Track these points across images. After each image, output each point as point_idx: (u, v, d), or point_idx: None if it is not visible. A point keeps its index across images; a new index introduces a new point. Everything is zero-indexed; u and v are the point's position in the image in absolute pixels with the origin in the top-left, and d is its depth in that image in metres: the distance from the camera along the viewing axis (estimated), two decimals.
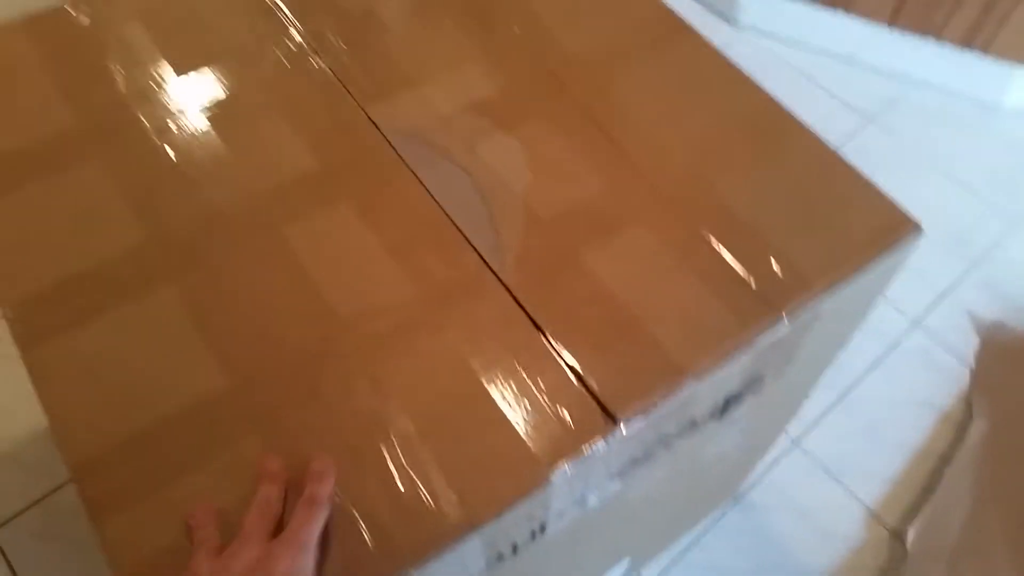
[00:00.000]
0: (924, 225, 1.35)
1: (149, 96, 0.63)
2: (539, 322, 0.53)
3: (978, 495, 1.03)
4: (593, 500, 0.56)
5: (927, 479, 1.07)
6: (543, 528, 0.53)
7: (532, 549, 0.55)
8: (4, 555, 0.97)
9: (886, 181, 1.33)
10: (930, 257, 1.27)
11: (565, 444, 0.49)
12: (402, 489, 0.47)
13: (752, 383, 0.60)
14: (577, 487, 0.52)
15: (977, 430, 1.09)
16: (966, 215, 1.32)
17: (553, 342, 0.53)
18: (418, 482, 0.47)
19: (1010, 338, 1.19)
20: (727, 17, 1.50)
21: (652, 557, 0.98)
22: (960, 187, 1.35)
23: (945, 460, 1.09)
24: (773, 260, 0.57)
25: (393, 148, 0.61)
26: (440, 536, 0.46)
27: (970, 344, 1.19)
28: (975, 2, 1.30)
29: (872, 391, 1.15)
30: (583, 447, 0.49)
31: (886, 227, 0.60)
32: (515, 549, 0.53)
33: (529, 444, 0.49)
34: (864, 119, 1.42)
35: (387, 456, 0.48)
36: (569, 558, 0.66)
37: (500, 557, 0.52)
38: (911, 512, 1.05)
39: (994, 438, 1.08)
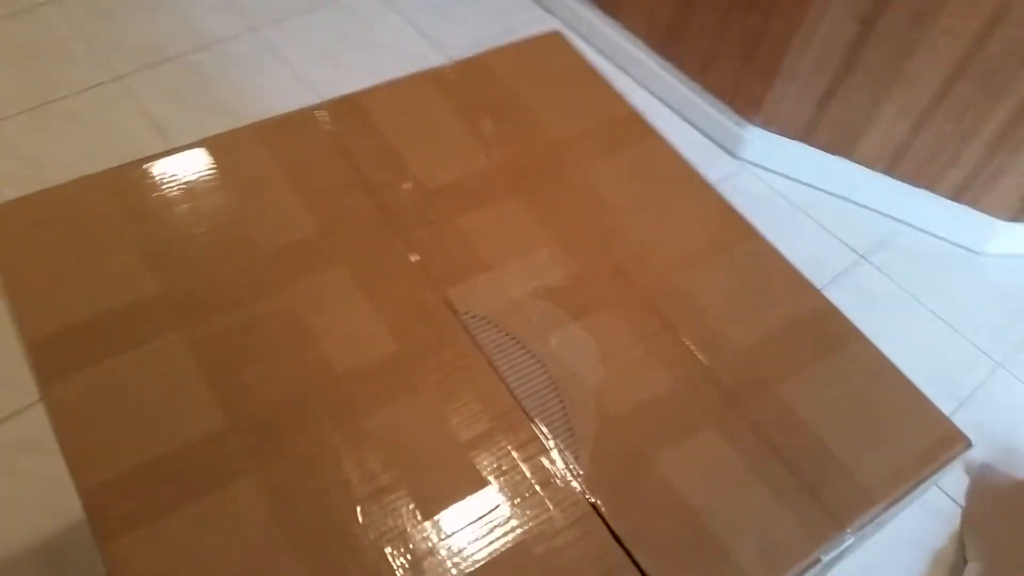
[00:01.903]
0: (913, 363, 1.35)
1: (238, 256, 0.62)
2: (616, 530, 0.52)
3: None
4: None
5: None
6: None
7: None
8: None
9: (878, 317, 1.34)
10: None
11: None
12: None
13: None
14: None
15: (971, 572, 1.09)
16: (953, 356, 1.34)
17: (631, 553, 0.52)
18: None
19: (999, 480, 1.20)
20: (730, 151, 1.53)
21: None
22: (948, 328, 1.38)
23: None
24: (839, 473, 0.57)
25: (468, 333, 0.60)
26: None
27: (961, 483, 1.20)
28: (968, 163, 1.35)
29: None
30: None
31: (942, 443, 0.60)
32: None
33: None
34: (857, 256, 1.44)
35: None
36: None
37: None
38: None
39: None
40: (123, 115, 1.43)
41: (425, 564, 0.50)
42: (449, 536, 0.51)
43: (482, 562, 0.50)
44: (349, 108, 0.72)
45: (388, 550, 0.50)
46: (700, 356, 0.62)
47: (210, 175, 0.66)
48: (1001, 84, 1.23)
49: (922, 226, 1.48)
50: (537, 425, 0.57)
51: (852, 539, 0.55)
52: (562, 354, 0.60)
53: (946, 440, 0.60)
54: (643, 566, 0.51)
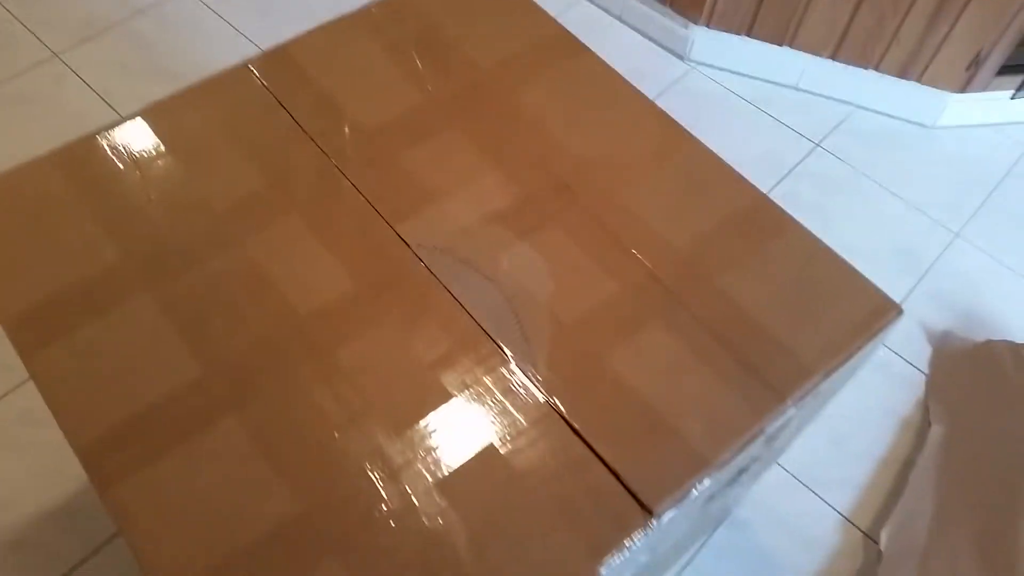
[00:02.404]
0: (875, 241, 1.40)
1: (192, 217, 0.65)
2: (575, 425, 0.57)
3: (942, 496, 1.10)
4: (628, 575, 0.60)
5: (894, 483, 1.14)
6: None
7: None
8: None
9: (838, 201, 1.38)
10: (882, 273, 1.34)
11: (610, 539, 0.53)
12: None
13: (761, 455, 0.65)
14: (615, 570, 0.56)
15: (935, 434, 1.16)
16: (911, 230, 1.39)
17: (590, 443, 0.57)
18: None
19: (959, 345, 1.26)
20: (679, 53, 1.55)
21: None
22: (905, 204, 1.42)
23: (909, 465, 1.16)
24: (777, 351, 0.61)
25: (423, 263, 0.64)
26: None
27: (924, 353, 1.26)
28: (909, 38, 1.37)
29: (839, 404, 1.21)
30: (625, 541, 0.53)
31: (874, 313, 0.64)
32: None
33: (579, 543, 0.53)
34: (812, 144, 1.48)
35: (460, 547, 0.52)
36: None
37: None
38: (882, 516, 1.11)
39: (951, 441, 1.15)
40: (68, 91, 1.43)
41: (403, 476, 0.55)
42: (422, 448, 0.56)
43: (454, 467, 0.55)
44: (280, 59, 0.74)
45: (367, 466, 0.55)
46: (644, 260, 0.66)
47: (155, 143, 0.69)
48: None
49: (872, 107, 1.51)
50: (495, 340, 0.61)
51: (793, 410, 0.60)
52: (513, 273, 0.64)
53: (878, 310, 0.65)
54: (602, 454, 0.56)
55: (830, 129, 1.50)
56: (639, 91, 0.76)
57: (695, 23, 1.48)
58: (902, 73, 1.44)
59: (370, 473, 0.54)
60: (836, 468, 1.15)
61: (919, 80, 1.44)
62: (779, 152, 1.46)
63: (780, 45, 1.47)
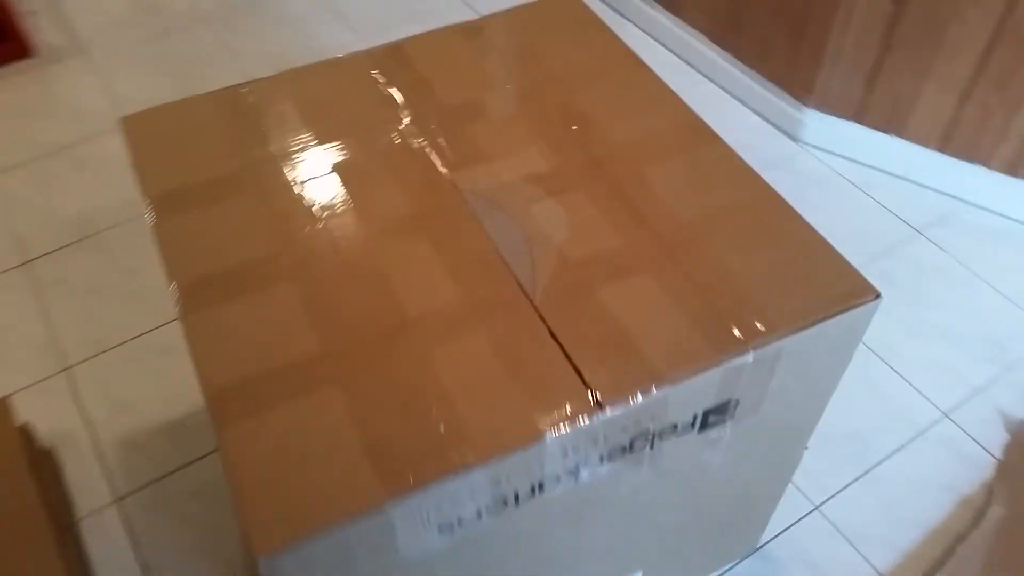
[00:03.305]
0: (964, 327, 1.40)
1: (293, 157, 0.83)
2: (555, 332, 0.69)
3: (985, 571, 1.07)
4: (585, 476, 0.69)
5: (940, 555, 1.12)
6: (542, 487, 0.67)
7: (534, 506, 0.68)
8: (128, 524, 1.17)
9: (933, 287, 1.40)
10: (966, 358, 1.34)
11: (560, 416, 0.63)
12: (434, 428, 0.62)
13: (727, 406, 0.73)
14: (569, 456, 0.65)
15: (994, 514, 1.14)
16: (1007, 324, 1.38)
17: (563, 346, 0.67)
18: (441, 425, 0.62)
19: None
20: (791, 135, 1.64)
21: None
22: (1004, 299, 1.41)
23: (960, 539, 1.13)
24: (749, 307, 0.70)
25: (466, 203, 0.79)
26: (449, 467, 0.60)
27: (997, 438, 1.24)
28: (1018, 135, 1.40)
29: (896, 471, 1.21)
30: (576, 419, 0.63)
31: (848, 293, 0.72)
32: (517, 499, 0.66)
33: (532, 412, 0.63)
34: (914, 231, 1.51)
35: (430, 400, 0.64)
36: (574, 539, 0.78)
37: (504, 501, 0.65)
38: None
39: (1010, 524, 1.12)
40: None
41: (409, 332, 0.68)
42: (426, 331, 0.69)
43: (447, 344, 0.68)
44: (397, 52, 0.93)
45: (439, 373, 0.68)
46: (651, 223, 0.77)
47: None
48: None
49: (980, 203, 1.53)
50: (507, 264, 0.74)
51: (750, 358, 0.68)
52: (537, 219, 0.77)
53: (854, 291, 0.72)
54: (570, 354, 0.67)
55: (934, 220, 1.53)
56: (683, 101, 0.88)
57: (806, 105, 1.58)
58: (1011, 170, 1.46)
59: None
60: (883, 530, 1.15)
61: None
62: (878, 234, 1.51)
63: (888, 133, 1.53)
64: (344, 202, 0.79)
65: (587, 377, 0.65)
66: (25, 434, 1.20)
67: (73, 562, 1.10)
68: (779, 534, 1.15)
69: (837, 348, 0.76)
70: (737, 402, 0.73)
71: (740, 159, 0.83)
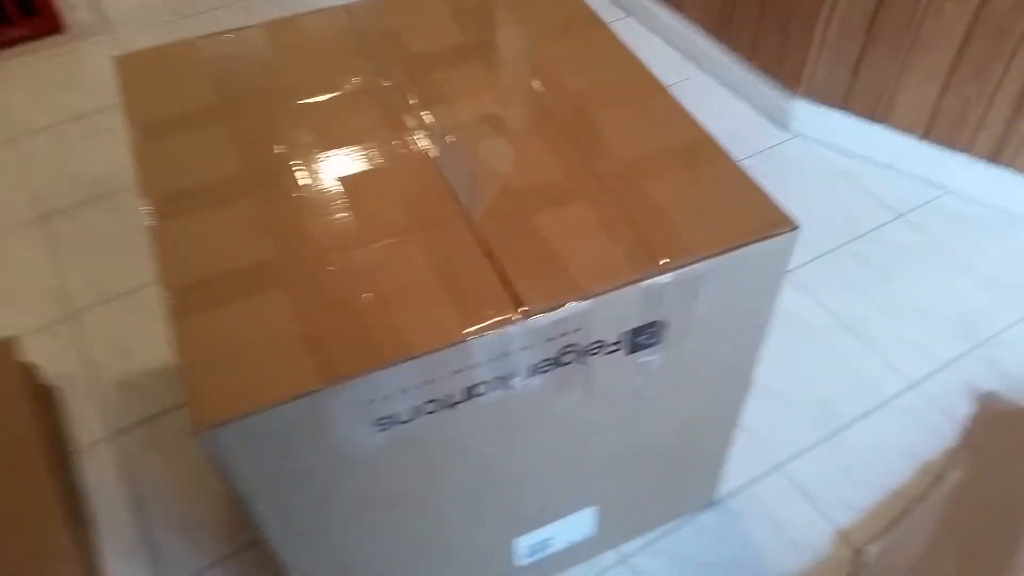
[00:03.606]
0: (936, 305, 1.43)
1: (266, 94, 0.90)
2: (490, 248, 0.74)
3: (940, 530, 1.10)
4: (517, 385, 0.74)
5: (897, 514, 1.15)
6: (474, 391, 0.72)
7: (469, 410, 0.73)
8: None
9: (910, 269, 1.43)
10: (937, 335, 1.36)
11: (486, 319, 0.68)
12: (369, 327, 0.68)
13: (654, 328, 0.77)
14: (498, 361, 0.70)
15: (954, 477, 1.16)
16: (982, 304, 1.40)
17: (494, 261, 0.73)
18: (376, 324, 0.68)
19: (1004, 406, 1.25)
20: (781, 123, 1.68)
21: (623, 528, 1.11)
22: (981, 280, 1.44)
23: (917, 500, 1.16)
24: (672, 235, 0.75)
25: (421, 137, 0.85)
26: (381, 359, 0.66)
27: (962, 409, 1.26)
28: (996, 123, 1.43)
29: (860, 437, 1.24)
30: (502, 325, 0.68)
31: (769, 223, 0.76)
32: (453, 402, 0.72)
33: (461, 316, 0.68)
34: (896, 215, 1.54)
35: (367, 305, 0.69)
36: (516, 456, 0.83)
37: (438, 401, 0.71)
38: (876, 537, 1.12)
39: (967, 487, 1.15)
40: None
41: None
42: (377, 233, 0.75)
43: (397, 252, 0.73)
44: (375, 6, 1.00)
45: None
46: (592, 161, 0.82)
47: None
48: (1011, 43, 1.33)
49: (962, 190, 1.55)
50: (453, 193, 0.79)
51: (671, 278, 0.73)
52: (485, 154, 0.83)
53: (774, 221, 0.77)
54: (502, 271, 0.72)
55: (915, 205, 1.56)
56: (640, 60, 0.93)
57: (794, 93, 1.62)
58: (992, 157, 1.48)
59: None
60: (843, 490, 1.18)
61: (1010, 165, 1.48)
62: (859, 217, 1.54)
63: (873, 122, 1.57)
64: (311, 133, 0.85)
65: (515, 288, 0.71)
66: (27, 371, 1.28)
67: (68, 489, 1.18)
68: (739, 490, 1.18)
69: (760, 278, 0.80)
70: (664, 325, 0.78)
71: (683, 109, 0.88)
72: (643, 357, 0.80)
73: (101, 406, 1.29)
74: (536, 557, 1.03)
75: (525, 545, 0.99)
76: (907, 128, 1.54)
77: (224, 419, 0.63)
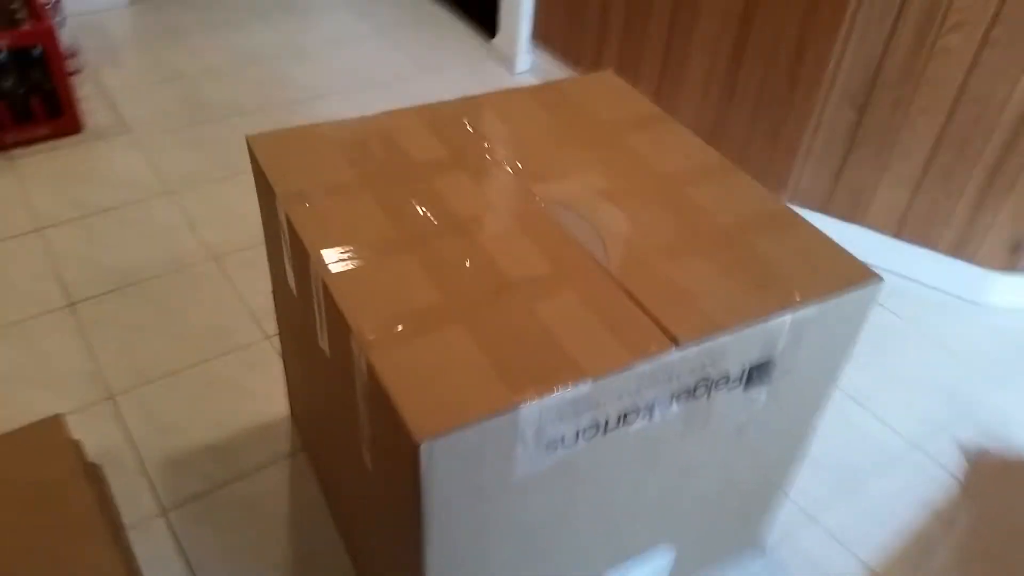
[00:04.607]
0: (920, 379, 1.60)
1: (400, 170, 1.00)
2: (631, 292, 0.84)
3: (962, 568, 1.21)
4: (657, 415, 0.83)
5: (919, 555, 1.26)
6: (627, 419, 0.80)
7: (617, 440, 0.81)
8: (176, 537, 1.23)
9: (895, 347, 1.60)
10: (927, 404, 1.52)
11: (645, 350, 0.78)
12: (545, 355, 0.76)
13: (767, 366, 0.88)
14: (651, 387, 0.80)
15: (962, 520, 1.28)
16: (959, 374, 1.58)
17: (639, 302, 0.83)
18: (551, 354, 0.76)
19: (992, 460, 1.40)
20: None
21: (693, 566, 1.18)
22: (953, 355, 1.62)
23: (935, 541, 1.27)
24: (781, 282, 0.87)
25: (544, 206, 0.96)
26: (563, 381, 0.74)
27: (957, 463, 1.41)
28: (959, 222, 1.65)
29: (876, 489, 1.36)
30: (658, 354, 0.78)
31: (858, 275, 0.90)
32: (606, 427, 0.80)
33: (622, 347, 0.78)
34: (875, 304, 1.73)
35: (539, 337, 0.78)
36: (634, 487, 0.91)
37: (597, 427, 0.79)
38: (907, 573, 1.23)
39: (977, 527, 1.27)
40: None
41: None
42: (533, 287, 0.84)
43: (552, 296, 0.83)
44: (477, 102, 1.13)
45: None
46: (698, 226, 0.95)
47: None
48: (974, 151, 1.57)
49: (930, 283, 1.76)
50: (584, 248, 0.90)
51: (789, 318, 0.85)
52: (603, 217, 0.95)
53: (863, 274, 0.90)
54: (648, 309, 0.82)
55: (891, 294, 1.75)
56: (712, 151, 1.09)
57: (780, 197, 1.83)
58: (955, 252, 1.70)
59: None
60: (869, 534, 1.29)
61: (971, 260, 1.70)
62: None
63: (851, 222, 1.78)
64: (448, 199, 0.95)
65: (663, 323, 0.81)
66: (77, 447, 1.26)
67: (129, 563, 1.16)
68: (781, 540, 1.27)
69: (847, 326, 0.93)
70: (774, 364, 0.89)
71: (758, 185, 1.03)
72: (753, 393, 0.91)
73: (148, 483, 1.29)
74: None
75: None
76: (881, 227, 1.75)
77: (440, 432, 0.69)
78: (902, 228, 1.73)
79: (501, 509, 0.81)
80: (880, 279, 0.91)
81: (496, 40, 2.52)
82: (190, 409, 1.40)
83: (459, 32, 2.67)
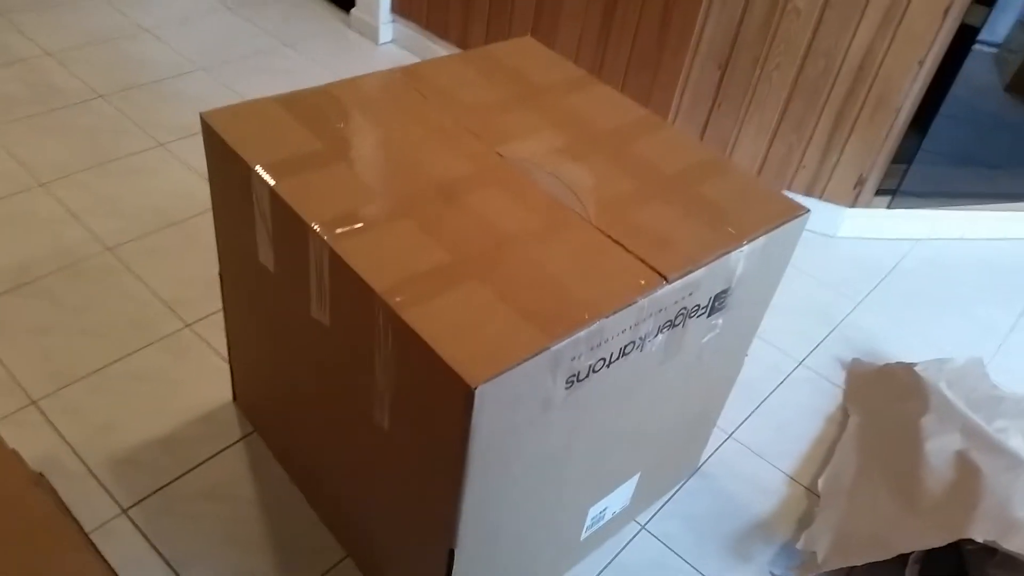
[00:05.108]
0: (795, 306, 1.81)
1: (361, 137, 1.02)
2: (615, 238, 0.93)
3: (861, 456, 1.41)
4: (647, 345, 0.92)
5: (824, 455, 1.46)
6: (625, 350, 0.89)
7: (617, 372, 0.90)
8: (140, 530, 1.19)
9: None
10: (803, 324, 1.73)
11: (642, 286, 0.87)
12: (562, 298, 0.83)
13: (726, 293, 1.00)
14: (645, 320, 0.89)
15: (853, 422, 1.50)
16: (826, 298, 1.81)
17: (625, 246, 0.92)
18: (566, 297, 0.84)
19: (865, 368, 1.63)
20: None
21: (644, 498, 1.30)
22: (818, 283, 1.85)
23: (834, 442, 1.48)
24: (734, 218, 0.99)
25: (514, 166, 1.02)
26: (583, 320, 0.82)
27: (839, 373, 1.63)
28: (811, 163, 1.87)
29: (777, 404, 1.55)
30: (653, 289, 0.87)
31: (789, 209, 1.03)
32: (611, 363, 0.88)
33: (623, 285, 0.86)
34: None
35: (551, 284, 0.85)
36: (621, 418, 1.00)
37: (603, 361, 0.87)
38: (817, 475, 1.42)
39: (864, 424, 1.49)
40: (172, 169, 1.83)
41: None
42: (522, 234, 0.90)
43: (549, 245, 0.89)
44: (414, 71, 1.16)
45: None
46: (649, 175, 1.04)
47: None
48: (820, 100, 1.78)
49: None
50: (561, 202, 0.97)
51: (746, 250, 0.97)
52: (571, 174, 1.02)
53: (794, 208, 1.04)
54: (634, 252, 0.91)
55: None
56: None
57: None
58: (808, 191, 1.93)
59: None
60: (780, 445, 1.47)
61: (821, 197, 1.93)
62: None
63: None
64: (424, 165, 0.99)
65: (650, 262, 0.90)
66: (18, 456, 1.19)
67: (105, 564, 1.11)
68: (708, 458, 1.42)
69: (784, 250, 1.07)
70: (731, 291, 1.01)
71: (691, 137, 1.14)
72: (714, 320, 1.02)
73: (99, 485, 1.23)
74: (593, 529, 1.18)
75: (592, 515, 1.15)
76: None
77: (490, 376, 0.75)
78: (762, 172, 1.93)
79: (525, 444, 0.87)
80: (807, 210, 1.05)
81: (355, 12, 2.50)
82: (123, 406, 1.34)
83: (314, 6, 2.62)
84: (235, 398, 1.38)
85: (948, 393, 1.49)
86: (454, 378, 0.75)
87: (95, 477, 1.24)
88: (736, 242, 0.96)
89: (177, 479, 1.26)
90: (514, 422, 0.83)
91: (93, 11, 2.37)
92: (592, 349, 0.85)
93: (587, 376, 0.87)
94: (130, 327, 1.47)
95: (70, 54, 2.17)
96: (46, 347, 1.41)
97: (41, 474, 1.23)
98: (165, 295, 1.54)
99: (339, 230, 0.88)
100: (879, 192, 1.92)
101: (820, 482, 1.38)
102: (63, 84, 2.04)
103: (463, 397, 0.75)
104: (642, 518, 1.32)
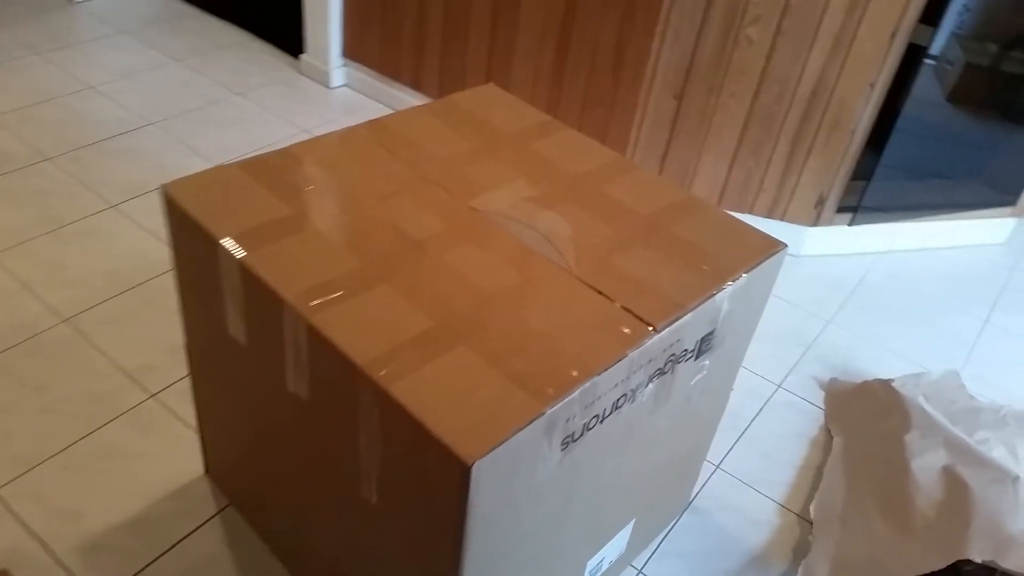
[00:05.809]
0: (768, 330, 1.80)
1: (332, 199, 0.98)
2: (596, 287, 0.90)
3: (849, 478, 1.40)
4: (639, 396, 0.89)
5: (812, 481, 1.44)
6: (618, 403, 0.86)
7: (609, 426, 0.87)
8: None
9: None
10: (777, 347, 1.72)
11: (630, 337, 0.84)
12: (551, 359, 0.80)
13: (712, 335, 0.98)
14: (636, 371, 0.86)
15: (837, 443, 1.48)
16: (795, 321, 1.80)
17: (608, 297, 0.89)
18: (555, 356, 0.80)
19: (843, 387, 1.62)
20: None
21: (639, 542, 1.26)
22: (788, 304, 1.84)
23: (820, 467, 1.46)
24: (713, 260, 0.97)
25: (488, 219, 0.98)
26: (575, 381, 0.78)
27: (817, 393, 1.61)
28: (771, 187, 1.88)
29: (760, 430, 1.53)
30: (641, 340, 0.84)
31: (769, 245, 1.01)
32: (603, 418, 0.85)
33: (611, 340, 0.83)
34: None
35: (539, 343, 0.81)
36: (616, 472, 0.97)
37: (596, 418, 0.84)
38: (808, 501, 1.39)
39: (848, 445, 1.47)
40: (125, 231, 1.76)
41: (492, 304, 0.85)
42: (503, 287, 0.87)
43: (533, 303, 0.86)
44: (378, 125, 1.12)
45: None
46: (625, 219, 1.02)
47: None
48: (776, 126, 1.79)
49: None
50: (537, 253, 0.94)
51: (730, 289, 0.94)
52: (546, 223, 0.99)
53: (772, 244, 1.02)
54: (618, 302, 0.88)
55: None
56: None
57: None
58: (770, 214, 1.93)
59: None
60: (768, 473, 1.44)
61: (782, 219, 1.93)
62: None
63: None
64: (398, 224, 0.95)
65: (635, 311, 0.87)
66: None
67: None
68: (699, 492, 1.39)
69: (765, 286, 1.05)
70: (716, 332, 0.99)
71: (662, 178, 1.12)
72: (703, 361, 1.00)
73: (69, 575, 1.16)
74: None
75: (589, 568, 1.11)
76: (704, 198, 1.94)
77: (485, 450, 0.71)
78: (723, 199, 1.93)
79: (523, 511, 0.83)
80: (785, 245, 1.03)
81: (305, 57, 2.46)
82: (89, 487, 1.27)
83: (262, 53, 2.57)
84: (207, 470, 1.31)
85: (928, 407, 1.48)
86: (448, 455, 0.71)
87: (64, 567, 1.16)
88: (719, 283, 0.94)
89: (152, 563, 1.19)
90: (512, 491, 0.79)
91: (34, 70, 2.30)
92: (586, 407, 0.81)
93: (582, 435, 0.84)
94: (92, 402, 1.39)
95: (13, 116, 2.09)
96: (6, 429, 1.33)
97: (4, 570, 1.16)
98: (127, 365, 1.47)
99: (315, 301, 0.83)
100: (840, 210, 1.92)
101: (812, 508, 1.36)
102: (8, 148, 1.96)
103: (459, 474, 0.71)
104: (638, 561, 1.28)
